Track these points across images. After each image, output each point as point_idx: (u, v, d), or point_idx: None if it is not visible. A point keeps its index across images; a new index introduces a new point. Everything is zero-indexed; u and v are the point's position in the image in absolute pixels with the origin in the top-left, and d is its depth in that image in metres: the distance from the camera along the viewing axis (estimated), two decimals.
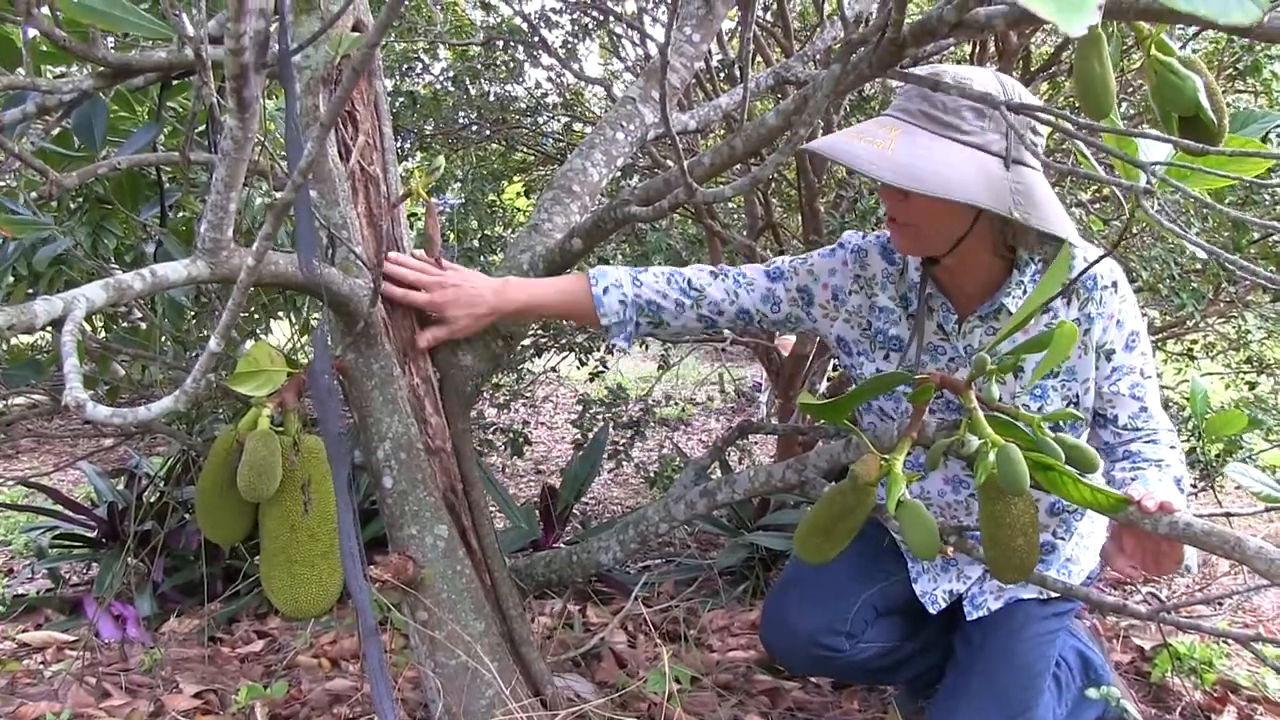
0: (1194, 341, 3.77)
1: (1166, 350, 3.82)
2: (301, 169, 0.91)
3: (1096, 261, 1.46)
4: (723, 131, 3.66)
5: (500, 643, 1.75)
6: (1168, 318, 3.34)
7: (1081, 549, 1.88)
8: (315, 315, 2.90)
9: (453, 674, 1.68)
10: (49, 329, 1.40)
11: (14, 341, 3.11)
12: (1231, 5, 0.53)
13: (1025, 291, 1.63)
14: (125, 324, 2.86)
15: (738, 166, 2.85)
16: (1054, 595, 1.82)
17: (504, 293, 1.73)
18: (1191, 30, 2.79)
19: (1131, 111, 3.13)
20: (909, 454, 1.46)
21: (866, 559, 1.92)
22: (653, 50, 3.15)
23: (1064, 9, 0.43)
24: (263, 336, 3.03)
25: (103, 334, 2.85)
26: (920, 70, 1.45)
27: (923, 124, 1.47)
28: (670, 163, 1.69)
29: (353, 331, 1.64)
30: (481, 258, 3.35)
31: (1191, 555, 1.46)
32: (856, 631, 1.88)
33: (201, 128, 2.06)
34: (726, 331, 1.88)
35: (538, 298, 1.76)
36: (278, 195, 1.16)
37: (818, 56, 2.22)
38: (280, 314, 3.09)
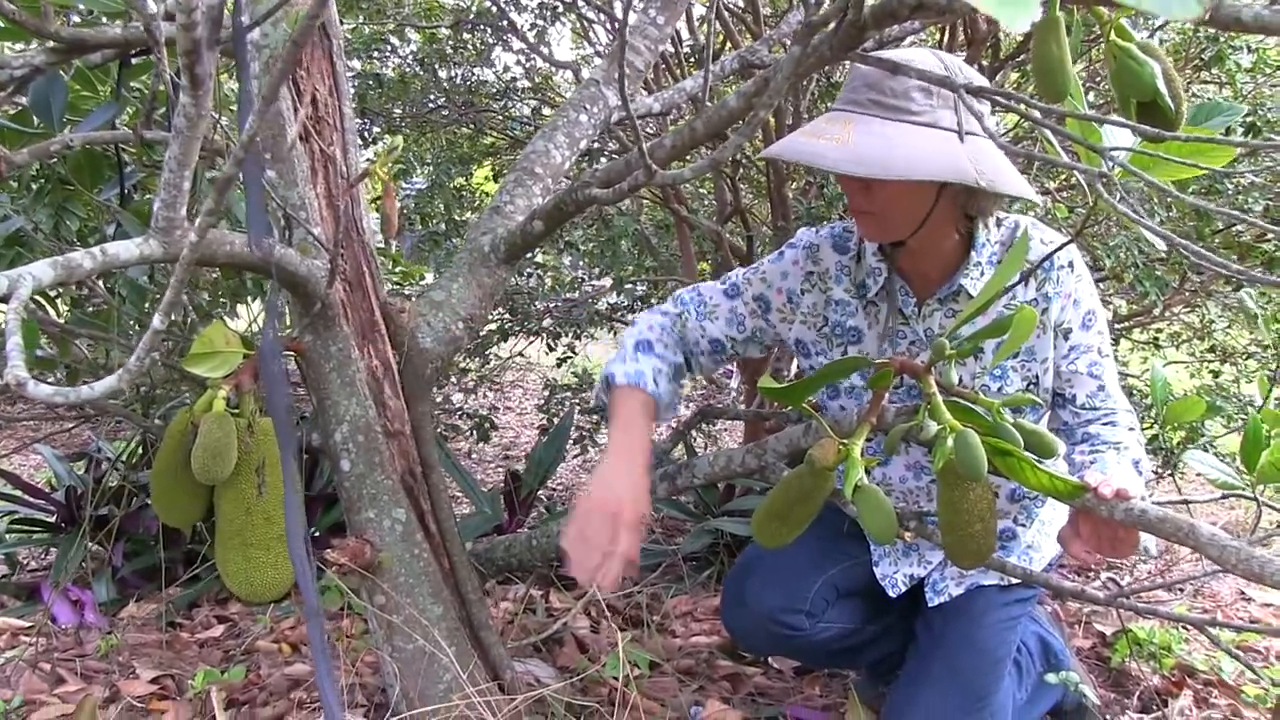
0: (1159, 330, 3.80)
1: (1132, 339, 3.85)
2: (243, 143, 0.89)
3: (1060, 248, 1.47)
4: (690, 115, 3.65)
5: (458, 627, 1.74)
6: (1134, 306, 3.36)
7: (1043, 536, 1.89)
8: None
9: (410, 658, 1.67)
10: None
11: None
12: (1172, 2, 0.53)
13: (983, 273, 1.63)
14: (91, 307, 2.82)
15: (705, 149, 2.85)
16: (1015, 582, 1.83)
17: (642, 461, 1.59)
18: (1158, 20, 2.81)
19: (1100, 101, 3.15)
20: (870, 440, 1.46)
21: (827, 541, 1.93)
22: None
23: (1005, 5, 0.43)
24: (228, 319, 3.01)
25: (66, 317, 2.81)
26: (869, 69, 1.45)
27: (874, 112, 1.47)
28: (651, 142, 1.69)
29: (310, 313, 1.62)
30: (448, 241, 3.33)
31: (1150, 538, 1.47)
32: (816, 611, 1.88)
33: (164, 109, 2.03)
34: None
35: (645, 449, 1.62)
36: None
37: (784, 41, 2.22)
38: (249, 297, 3.06)
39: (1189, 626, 2.46)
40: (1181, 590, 2.91)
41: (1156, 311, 3.07)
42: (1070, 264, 1.65)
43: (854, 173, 1.43)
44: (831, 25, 1.30)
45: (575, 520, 1.53)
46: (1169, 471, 2.77)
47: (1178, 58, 4.00)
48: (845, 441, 1.41)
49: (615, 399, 1.67)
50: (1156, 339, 3.80)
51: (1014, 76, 3.34)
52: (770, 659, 2.32)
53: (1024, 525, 1.85)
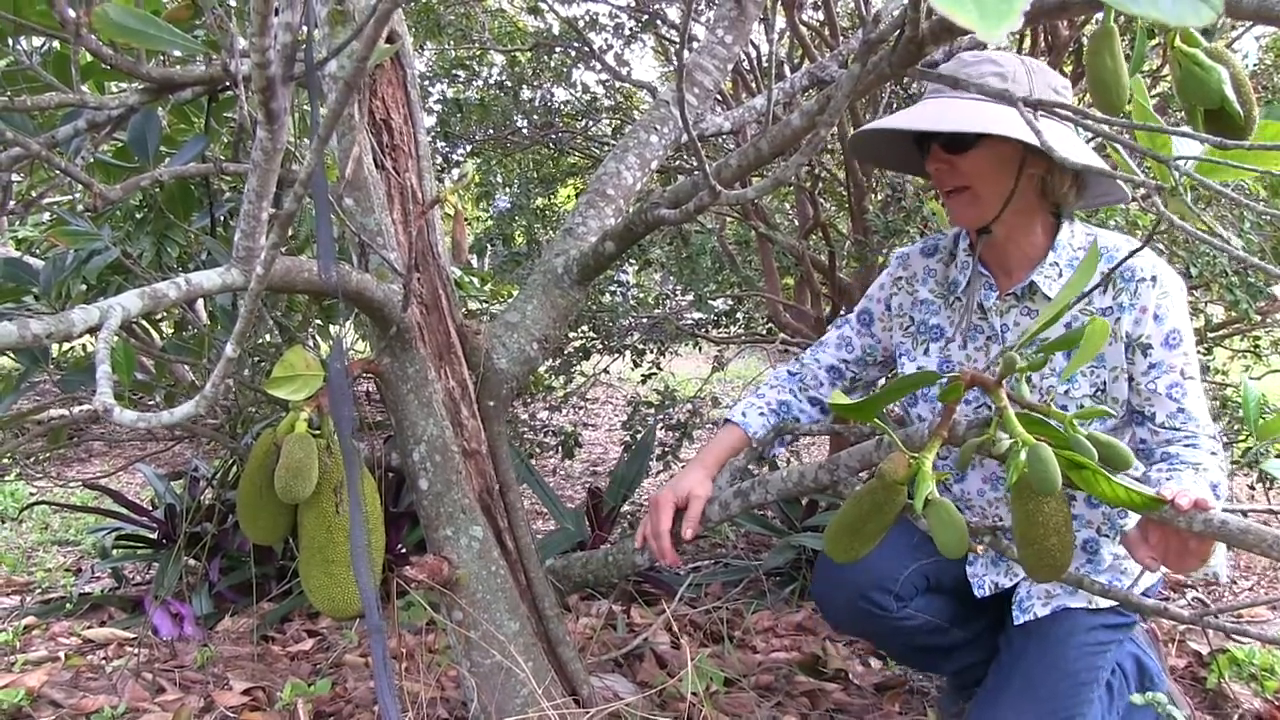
0: (1257, 339, 3.67)
1: (1231, 347, 3.72)
2: (302, 179, 0.93)
3: (1129, 256, 1.46)
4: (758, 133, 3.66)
5: (535, 642, 1.76)
6: (1231, 313, 3.26)
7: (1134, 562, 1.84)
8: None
9: (488, 673, 1.70)
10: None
11: (75, 350, 3.21)
12: (1182, 8, 0.52)
13: (1060, 274, 1.67)
14: (191, 330, 2.94)
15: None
16: (1104, 605, 1.79)
17: (703, 469, 1.83)
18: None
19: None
20: (943, 456, 1.45)
21: (923, 534, 1.91)
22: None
23: (985, 14, 0.43)
24: (320, 340, 3.10)
25: (166, 340, 2.93)
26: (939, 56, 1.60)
27: (950, 94, 1.61)
28: (717, 161, 1.72)
29: (387, 336, 1.67)
30: (529, 262, 3.38)
31: (1221, 564, 1.43)
32: (905, 596, 1.88)
33: (250, 141, 2.11)
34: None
35: (721, 461, 1.87)
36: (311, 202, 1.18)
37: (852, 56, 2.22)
38: (341, 319, 3.14)
39: None
40: None
41: (1255, 318, 2.97)
42: (1154, 279, 1.64)
43: (931, 127, 1.55)
44: (890, 42, 1.30)
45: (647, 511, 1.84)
46: (1266, 485, 2.68)
47: (1279, 53, 3.87)
48: (916, 455, 1.40)
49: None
50: (1257, 346, 3.67)
51: None
52: (851, 675, 2.30)
53: (1108, 536, 1.80)
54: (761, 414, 1.91)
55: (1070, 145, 1.53)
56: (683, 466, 1.89)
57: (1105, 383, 1.67)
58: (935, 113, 1.58)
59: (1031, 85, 1.59)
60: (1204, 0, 0.52)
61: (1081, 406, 1.66)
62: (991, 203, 1.65)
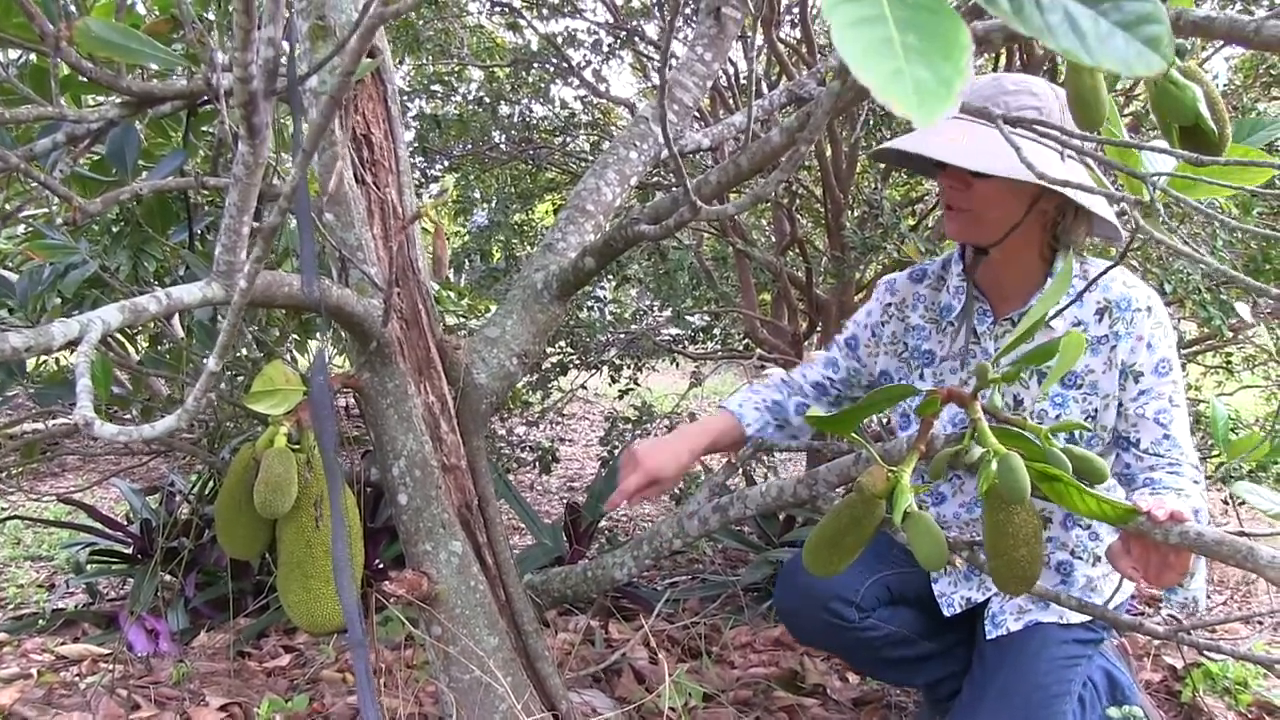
0: (1229, 355, 3.72)
1: (1203, 364, 3.76)
2: (286, 194, 0.94)
3: (1103, 274, 1.48)
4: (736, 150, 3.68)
5: (514, 658, 1.76)
6: (1203, 329, 3.29)
7: (1106, 582, 1.86)
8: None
9: (467, 689, 1.70)
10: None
11: (49, 363, 3.19)
12: (1133, 58, 0.54)
13: (1058, 301, 1.66)
14: (167, 343, 2.92)
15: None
16: (1075, 621, 1.80)
17: (689, 444, 1.85)
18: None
19: None
20: (923, 468, 1.45)
21: (883, 544, 1.93)
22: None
23: (923, 100, 0.44)
24: (298, 355, 3.09)
25: (142, 354, 2.91)
26: (982, 79, 1.63)
27: (986, 122, 1.58)
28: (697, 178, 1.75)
29: (367, 350, 1.67)
30: (507, 277, 3.38)
31: (1200, 590, 1.45)
32: (867, 606, 1.89)
33: (230, 155, 2.11)
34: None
35: (709, 442, 1.88)
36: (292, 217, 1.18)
37: (831, 72, 2.24)
38: (318, 333, 3.14)
39: None
40: (1261, 624, 2.83)
41: (1228, 335, 3.01)
42: (1148, 309, 1.68)
43: (956, 162, 1.55)
44: None
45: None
46: (1234, 503, 2.71)
47: (1248, 74, 3.93)
48: (894, 469, 1.41)
49: None
50: (1229, 363, 3.71)
51: None
52: (829, 690, 2.31)
53: (1081, 558, 1.82)
54: (756, 409, 1.93)
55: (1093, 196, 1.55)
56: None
57: (1096, 409, 1.70)
58: (959, 139, 1.57)
59: (1064, 119, 1.57)
60: (1154, 51, 0.54)
61: (1071, 433, 1.68)
62: (995, 228, 1.67)
